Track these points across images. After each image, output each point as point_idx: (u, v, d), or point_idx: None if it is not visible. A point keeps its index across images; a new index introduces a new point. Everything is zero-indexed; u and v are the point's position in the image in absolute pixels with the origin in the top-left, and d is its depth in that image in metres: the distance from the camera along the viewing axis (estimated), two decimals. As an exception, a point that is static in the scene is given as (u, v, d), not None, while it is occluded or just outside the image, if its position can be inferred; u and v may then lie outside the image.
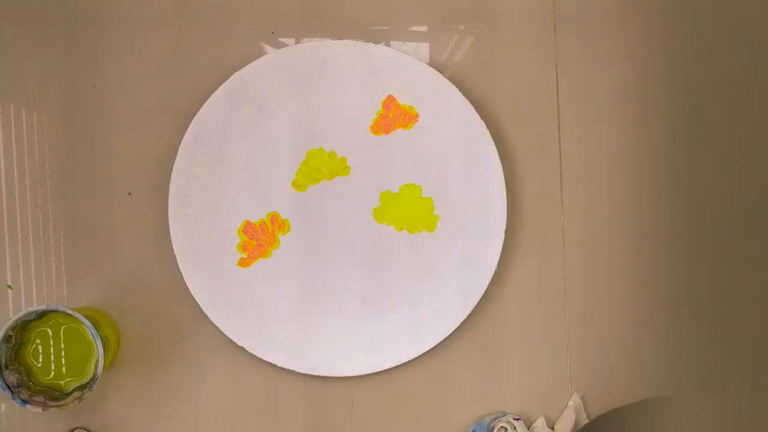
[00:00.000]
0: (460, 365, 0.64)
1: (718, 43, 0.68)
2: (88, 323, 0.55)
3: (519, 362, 0.65)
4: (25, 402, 0.54)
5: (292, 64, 0.63)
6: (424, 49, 0.66)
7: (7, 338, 0.55)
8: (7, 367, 0.55)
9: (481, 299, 0.62)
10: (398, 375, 0.63)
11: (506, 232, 0.63)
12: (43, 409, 0.54)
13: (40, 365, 0.57)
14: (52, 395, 0.57)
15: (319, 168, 0.63)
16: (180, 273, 0.61)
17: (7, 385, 0.54)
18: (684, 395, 0.66)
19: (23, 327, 0.57)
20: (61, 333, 0.58)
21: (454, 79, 0.64)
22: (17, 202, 0.62)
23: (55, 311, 0.56)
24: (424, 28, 0.66)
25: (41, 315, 0.57)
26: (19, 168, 0.62)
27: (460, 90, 0.63)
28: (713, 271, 0.67)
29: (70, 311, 0.55)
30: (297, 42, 0.65)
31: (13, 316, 0.54)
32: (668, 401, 0.65)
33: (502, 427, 0.61)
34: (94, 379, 0.55)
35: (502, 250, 0.63)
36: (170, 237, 0.61)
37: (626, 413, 0.65)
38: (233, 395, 0.63)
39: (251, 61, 0.62)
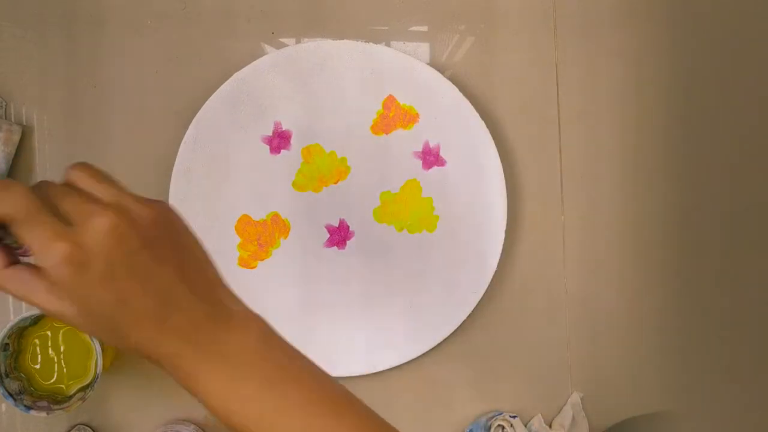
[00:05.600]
0: (460, 365, 0.64)
1: (718, 43, 0.68)
2: None
3: (519, 362, 0.65)
4: (28, 408, 0.54)
5: (292, 64, 0.63)
6: (424, 49, 0.66)
7: (5, 346, 0.55)
8: (7, 376, 0.55)
9: (481, 299, 0.62)
10: (398, 375, 0.63)
11: (506, 232, 0.63)
12: (47, 413, 0.54)
13: (38, 367, 0.57)
14: (55, 399, 0.57)
15: (320, 168, 0.63)
16: (180, 273, 0.61)
17: (9, 393, 0.54)
18: (684, 397, 0.66)
19: (19, 334, 0.57)
20: (60, 336, 0.58)
21: (454, 79, 0.64)
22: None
23: None
24: (424, 28, 0.66)
25: (36, 320, 0.57)
26: (20, 168, 0.62)
27: (460, 90, 0.63)
28: (713, 271, 0.67)
29: None
30: (297, 42, 0.65)
31: (7, 324, 0.54)
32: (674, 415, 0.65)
33: (498, 425, 0.60)
34: (95, 378, 0.55)
35: (502, 250, 0.63)
36: (170, 237, 0.61)
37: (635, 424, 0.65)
38: (233, 395, 0.63)
39: (251, 61, 0.62)
